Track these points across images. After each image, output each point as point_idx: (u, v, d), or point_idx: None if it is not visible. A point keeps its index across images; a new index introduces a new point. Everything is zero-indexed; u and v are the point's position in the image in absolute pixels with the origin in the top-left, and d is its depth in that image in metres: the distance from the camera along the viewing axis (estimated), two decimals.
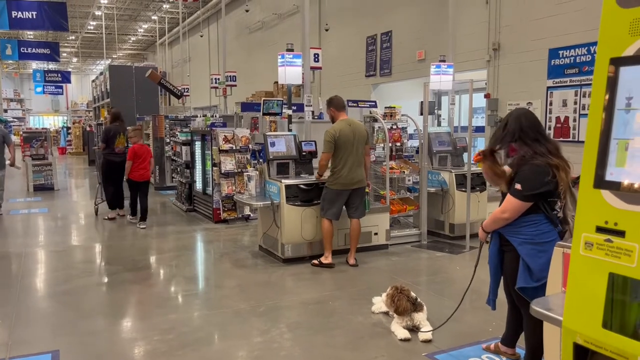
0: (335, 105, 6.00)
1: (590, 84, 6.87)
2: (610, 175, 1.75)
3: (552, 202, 3.05)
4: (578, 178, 1.91)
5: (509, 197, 3.05)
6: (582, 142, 1.93)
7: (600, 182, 1.77)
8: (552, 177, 2.95)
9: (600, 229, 1.76)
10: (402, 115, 7.27)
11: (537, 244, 3.01)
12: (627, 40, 1.72)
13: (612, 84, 1.76)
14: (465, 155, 7.38)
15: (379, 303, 4.46)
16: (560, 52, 8.56)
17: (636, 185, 1.68)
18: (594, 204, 1.78)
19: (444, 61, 7.95)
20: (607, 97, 1.77)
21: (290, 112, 7.05)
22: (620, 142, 1.73)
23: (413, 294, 4.16)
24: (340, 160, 5.77)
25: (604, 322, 1.74)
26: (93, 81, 23.90)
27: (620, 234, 1.70)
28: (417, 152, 7.44)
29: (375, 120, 7.09)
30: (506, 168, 3.14)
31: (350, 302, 4.80)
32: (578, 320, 1.82)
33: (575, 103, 8.42)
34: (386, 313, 4.34)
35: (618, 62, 1.74)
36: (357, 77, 14.61)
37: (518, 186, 2.99)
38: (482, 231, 3.30)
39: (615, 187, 1.73)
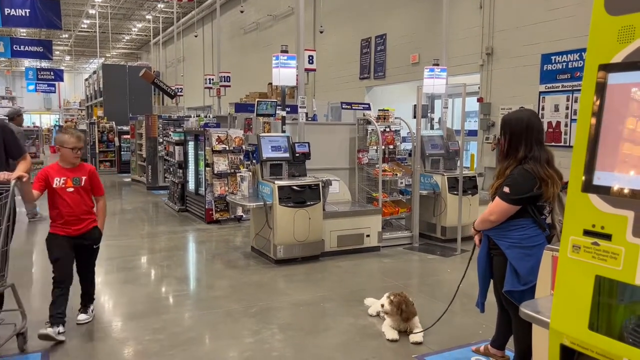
0: None
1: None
2: (598, 179, 1.78)
3: (541, 206, 3.07)
4: (567, 183, 1.93)
5: (497, 199, 3.07)
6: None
7: (588, 186, 1.80)
8: (538, 187, 2.97)
9: (587, 232, 1.79)
10: (396, 118, 7.31)
11: (525, 247, 3.03)
12: (615, 47, 1.76)
13: (600, 90, 1.79)
14: (457, 158, 7.42)
15: (374, 305, 4.46)
16: (553, 57, 8.64)
17: (621, 189, 1.71)
18: (581, 208, 1.81)
19: (437, 65, 8.00)
20: (595, 102, 1.80)
21: (284, 113, 7.06)
22: None
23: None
24: None
25: (590, 324, 1.76)
26: (86, 80, 23.83)
27: (607, 237, 1.72)
28: (409, 155, 7.48)
29: (369, 122, 7.14)
30: None
31: (342, 303, 4.82)
32: (565, 322, 1.85)
33: (567, 108, 8.50)
34: (378, 314, 4.36)
35: (607, 69, 1.78)
36: (351, 80, 14.65)
37: (506, 189, 3.01)
38: (473, 229, 3.35)
39: (602, 191, 1.76)
